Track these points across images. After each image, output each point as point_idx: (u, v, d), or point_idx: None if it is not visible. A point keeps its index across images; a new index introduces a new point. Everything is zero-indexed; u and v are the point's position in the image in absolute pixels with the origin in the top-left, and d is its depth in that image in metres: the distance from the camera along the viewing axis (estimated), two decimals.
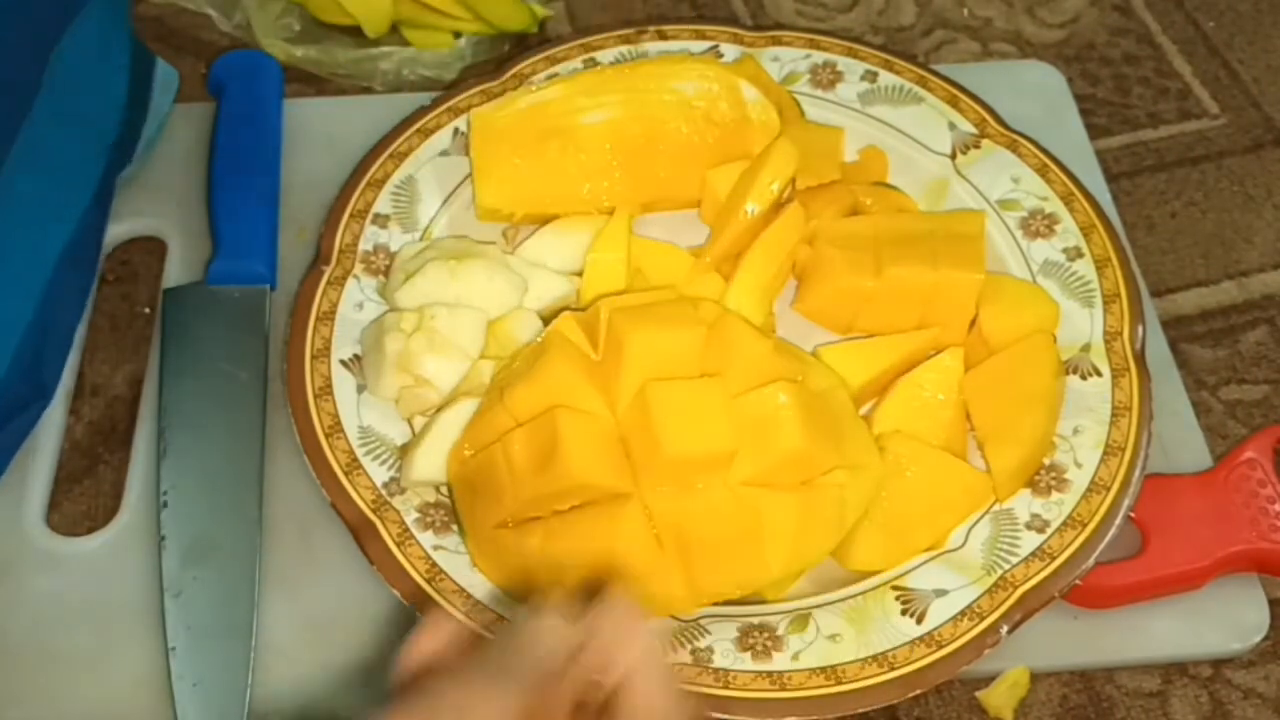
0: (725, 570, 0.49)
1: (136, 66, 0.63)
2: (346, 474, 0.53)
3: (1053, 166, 0.63)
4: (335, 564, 0.53)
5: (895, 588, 0.52)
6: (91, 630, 0.52)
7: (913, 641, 0.50)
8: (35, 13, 0.55)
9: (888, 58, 0.67)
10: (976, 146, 0.64)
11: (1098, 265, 0.60)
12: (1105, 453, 0.54)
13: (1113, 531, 0.52)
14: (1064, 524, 0.52)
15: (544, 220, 0.61)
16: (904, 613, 0.51)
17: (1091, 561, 0.51)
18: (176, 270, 0.62)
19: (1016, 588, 0.51)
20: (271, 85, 0.66)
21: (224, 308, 0.59)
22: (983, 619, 0.50)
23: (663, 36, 0.67)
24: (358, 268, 0.59)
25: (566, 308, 0.58)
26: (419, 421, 0.55)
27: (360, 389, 0.56)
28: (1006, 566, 0.51)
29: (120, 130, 0.60)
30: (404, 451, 0.54)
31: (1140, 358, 0.57)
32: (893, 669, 0.49)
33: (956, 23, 0.76)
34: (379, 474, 0.53)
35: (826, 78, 0.66)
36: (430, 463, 0.53)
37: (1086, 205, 0.62)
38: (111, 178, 0.61)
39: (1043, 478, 0.54)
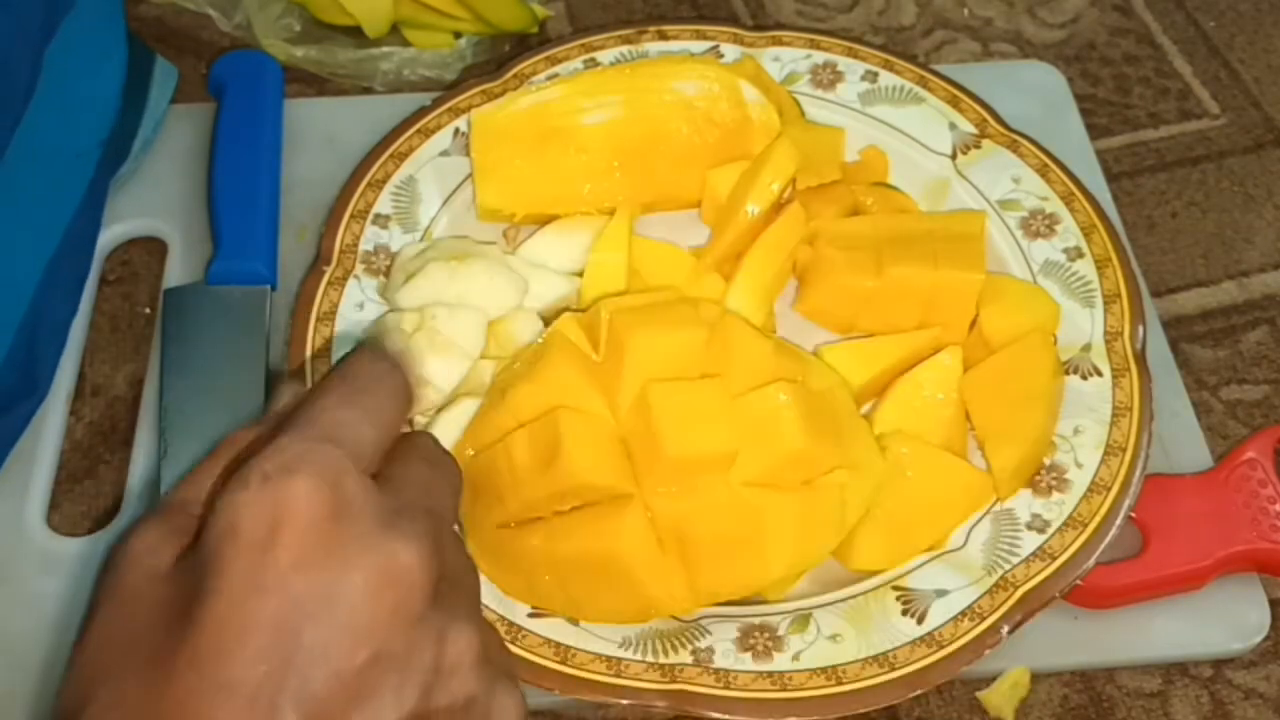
0: (726, 571, 0.49)
1: (134, 64, 0.63)
2: None
3: (1053, 166, 0.63)
4: None
5: (896, 588, 0.52)
6: None
7: (913, 642, 0.50)
8: (26, 11, 0.55)
9: (888, 58, 0.67)
10: (977, 146, 0.64)
11: (1098, 265, 0.60)
12: (1106, 453, 0.54)
13: (1113, 532, 0.52)
14: (1064, 524, 0.52)
15: (545, 220, 0.61)
16: (905, 613, 0.51)
17: (1092, 562, 0.51)
18: (177, 270, 0.62)
19: (1017, 588, 0.51)
20: (271, 85, 0.66)
21: (224, 308, 0.59)
22: (983, 619, 0.50)
23: (663, 36, 0.67)
24: (358, 268, 0.59)
25: (567, 308, 0.58)
26: (419, 421, 0.55)
27: None
28: (1007, 567, 0.51)
29: (114, 127, 0.60)
30: None
31: (1141, 358, 0.57)
32: (893, 669, 0.49)
33: (957, 23, 0.76)
34: None
35: (827, 78, 0.66)
36: None
37: (1087, 205, 0.62)
38: (105, 174, 0.60)
39: (1043, 478, 0.54)
